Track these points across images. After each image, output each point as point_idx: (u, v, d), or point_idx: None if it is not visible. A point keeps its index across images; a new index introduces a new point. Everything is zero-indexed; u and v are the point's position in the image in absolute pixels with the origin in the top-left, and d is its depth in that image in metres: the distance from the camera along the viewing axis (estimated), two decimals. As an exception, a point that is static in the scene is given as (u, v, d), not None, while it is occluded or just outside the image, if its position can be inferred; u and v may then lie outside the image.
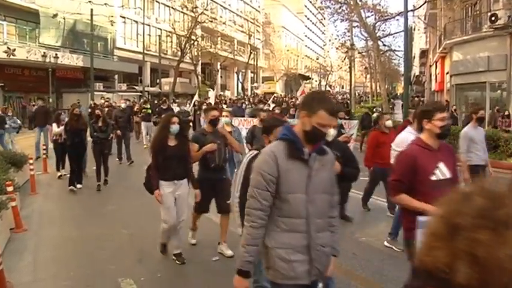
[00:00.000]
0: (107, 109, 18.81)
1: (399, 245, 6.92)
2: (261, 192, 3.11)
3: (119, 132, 15.69)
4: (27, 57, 32.97)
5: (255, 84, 63.57)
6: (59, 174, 13.28)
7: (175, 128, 6.52)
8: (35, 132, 17.76)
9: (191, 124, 22.39)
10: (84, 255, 7.17)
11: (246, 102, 33.88)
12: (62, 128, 12.65)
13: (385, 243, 7.50)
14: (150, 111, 21.05)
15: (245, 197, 3.47)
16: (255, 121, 10.59)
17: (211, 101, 28.91)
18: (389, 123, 9.35)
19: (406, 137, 6.26)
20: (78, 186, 11.80)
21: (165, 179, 6.50)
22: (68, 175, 12.13)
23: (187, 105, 27.53)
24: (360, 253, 7.04)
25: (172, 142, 6.52)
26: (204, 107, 18.77)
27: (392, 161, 6.26)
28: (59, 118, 13.17)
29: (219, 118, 7.54)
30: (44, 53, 33.28)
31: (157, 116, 19.37)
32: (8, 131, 17.35)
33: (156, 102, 30.17)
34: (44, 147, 15.09)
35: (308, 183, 3.15)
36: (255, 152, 4.40)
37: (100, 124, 12.16)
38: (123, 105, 18.18)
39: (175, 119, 6.59)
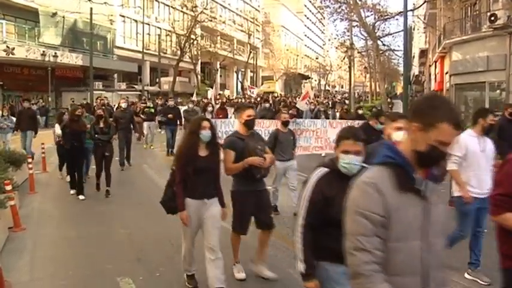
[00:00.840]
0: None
1: (484, 276, 6.17)
2: (370, 240, 2.27)
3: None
4: (26, 56, 32.97)
5: (248, 85, 59.77)
6: (60, 177, 12.88)
7: (206, 134, 5.41)
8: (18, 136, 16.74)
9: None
10: (82, 255, 7.15)
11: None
12: None
13: (466, 275, 6.27)
14: (152, 110, 20.63)
15: (310, 227, 3.31)
16: (278, 124, 9.82)
17: (212, 99, 28.70)
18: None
19: (467, 140, 5.84)
20: (81, 197, 10.60)
21: (193, 197, 5.42)
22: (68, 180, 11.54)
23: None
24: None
25: (203, 152, 5.45)
26: (209, 107, 17.86)
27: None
28: (62, 118, 12.40)
29: (255, 119, 6.40)
30: (43, 51, 33.28)
31: (162, 115, 18.62)
32: (5, 131, 16.39)
33: (157, 101, 29.21)
34: (43, 145, 15.02)
35: (425, 225, 2.37)
36: (325, 169, 3.54)
37: (101, 125, 11.25)
38: (123, 105, 16.09)
39: (206, 124, 5.46)
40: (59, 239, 8.02)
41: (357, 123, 14.43)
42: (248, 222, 6.06)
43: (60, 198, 11.01)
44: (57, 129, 12.40)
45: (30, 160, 12.16)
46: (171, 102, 20.00)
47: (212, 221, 5.52)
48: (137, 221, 8.83)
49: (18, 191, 9.95)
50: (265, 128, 13.00)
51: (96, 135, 11.13)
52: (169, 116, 17.76)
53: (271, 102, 26.74)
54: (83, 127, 11.07)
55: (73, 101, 32.26)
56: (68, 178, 11.66)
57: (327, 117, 18.53)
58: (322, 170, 3.56)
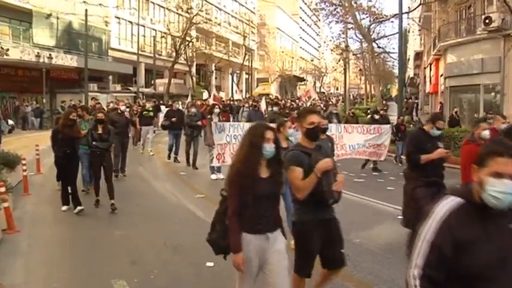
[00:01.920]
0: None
1: None
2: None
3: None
4: (20, 57, 32.83)
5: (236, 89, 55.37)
6: (58, 188, 10.82)
7: (270, 149, 4.07)
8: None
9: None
10: (77, 257, 7.12)
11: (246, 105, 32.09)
12: None
13: None
14: (152, 114, 19.40)
15: (431, 282, 2.27)
16: (333, 130, 9.06)
17: (211, 100, 28.22)
18: (485, 134, 6.91)
19: None
20: (79, 208, 9.49)
21: (252, 231, 4.09)
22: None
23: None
24: (353, 254, 7.00)
25: (265, 172, 4.11)
26: (216, 109, 14.62)
27: None
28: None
29: (322, 127, 5.58)
30: (38, 53, 33.16)
31: (166, 118, 17.15)
32: None
33: (156, 102, 28.33)
34: (37, 147, 14.96)
35: (507, 258, 2.19)
36: (457, 199, 2.42)
37: (100, 131, 9.96)
38: (122, 108, 15.22)
39: (270, 134, 4.09)
40: (53, 241, 7.99)
41: (374, 128, 14.01)
42: (312, 263, 4.88)
43: (54, 200, 10.93)
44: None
45: (24, 162, 12.09)
46: (175, 105, 19.08)
47: (278, 259, 4.30)
48: (132, 222, 8.80)
49: (12, 193, 9.88)
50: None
51: (94, 142, 9.86)
52: (173, 119, 16.76)
53: (267, 104, 25.25)
54: (77, 133, 9.93)
55: (64, 104, 32.08)
56: (58, 186, 10.59)
57: (340, 121, 17.16)
58: (454, 201, 2.43)
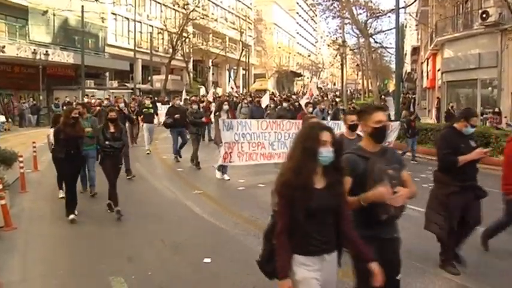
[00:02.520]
0: (98, 108, 15.77)
1: None
2: None
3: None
4: (17, 54, 32.72)
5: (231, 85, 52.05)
6: (60, 195, 10.24)
7: (328, 154, 3.38)
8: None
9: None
10: (74, 254, 7.12)
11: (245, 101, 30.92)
12: None
13: None
14: (152, 110, 18.70)
15: None
16: (342, 128, 7.71)
17: (210, 97, 27.59)
18: None
19: None
20: (71, 217, 8.75)
21: (305, 252, 3.44)
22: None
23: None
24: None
25: (320, 182, 3.42)
26: (225, 106, 13.81)
27: None
28: (59, 121, 9.87)
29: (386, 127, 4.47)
30: (34, 50, 33.06)
31: (168, 116, 15.99)
32: None
33: (152, 98, 27.50)
34: (34, 144, 14.92)
35: None
36: None
37: (112, 130, 9.31)
38: (121, 105, 14.34)
39: (327, 136, 3.40)
40: (51, 238, 7.98)
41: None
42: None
43: (51, 197, 10.91)
44: (51, 138, 10.00)
45: (21, 159, 12.06)
46: (176, 102, 17.75)
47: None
48: (129, 219, 8.78)
49: (9, 190, 9.86)
50: (285, 130, 12.22)
51: (106, 142, 9.17)
52: (176, 116, 15.68)
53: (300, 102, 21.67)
54: (81, 131, 9.28)
55: (57, 101, 32.19)
56: (61, 194, 10.05)
57: None
58: None
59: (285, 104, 17.27)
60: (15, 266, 6.64)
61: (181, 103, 18.03)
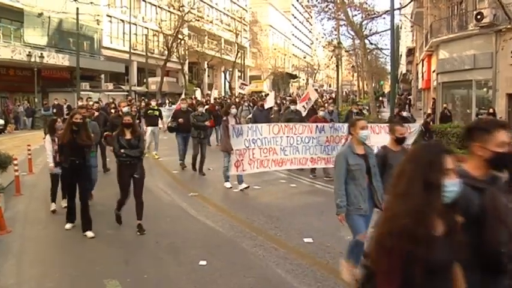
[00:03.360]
0: (96, 113, 13.81)
1: None
2: None
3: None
4: (11, 56, 32.60)
5: (241, 81, 53.67)
6: (52, 208, 9.59)
7: (454, 188, 2.55)
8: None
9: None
10: (69, 257, 7.10)
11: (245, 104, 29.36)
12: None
13: None
14: (157, 112, 17.22)
15: None
16: (387, 139, 6.81)
17: (211, 99, 26.85)
18: None
19: None
20: (68, 226, 8.44)
21: None
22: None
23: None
24: (346, 251, 7.02)
25: (439, 227, 2.54)
26: (233, 109, 12.58)
27: None
28: (54, 127, 9.24)
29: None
30: (29, 52, 32.96)
31: (173, 119, 15.22)
32: None
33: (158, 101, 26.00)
34: (29, 147, 14.87)
35: None
36: None
37: (129, 136, 8.30)
38: (125, 109, 13.36)
39: (451, 162, 2.57)
40: (45, 241, 7.95)
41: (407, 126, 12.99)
42: None
43: (46, 200, 10.87)
44: (48, 144, 9.20)
45: (16, 162, 12.02)
46: (183, 105, 16.32)
47: None
48: (124, 221, 8.75)
49: (4, 193, 9.84)
50: (297, 134, 11.55)
51: (122, 151, 8.22)
52: (180, 120, 14.85)
53: (304, 105, 19.26)
54: (87, 139, 8.30)
55: (46, 104, 30.69)
56: (63, 203, 9.51)
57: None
58: None
59: (292, 107, 15.73)
60: (9, 269, 6.61)
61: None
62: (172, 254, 7.05)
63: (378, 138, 11.68)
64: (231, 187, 11.79)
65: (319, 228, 8.34)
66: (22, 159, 14.60)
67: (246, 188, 11.53)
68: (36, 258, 7.10)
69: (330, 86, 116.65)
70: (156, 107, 17.70)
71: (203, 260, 6.66)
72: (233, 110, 12.35)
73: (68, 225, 8.38)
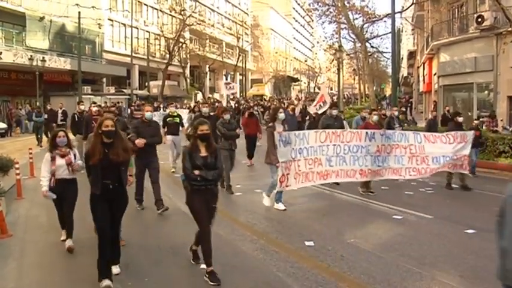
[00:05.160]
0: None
1: None
2: None
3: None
4: (13, 60, 32.72)
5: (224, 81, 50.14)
6: (63, 237, 7.80)
7: None
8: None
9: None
10: (70, 261, 7.08)
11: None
12: (72, 159, 7.47)
13: None
14: (178, 119, 14.94)
15: None
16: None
17: (224, 101, 24.87)
18: None
19: None
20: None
21: None
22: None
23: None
24: (347, 255, 7.02)
25: None
26: (280, 114, 10.26)
27: None
28: (55, 142, 7.49)
29: None
30: (31, 56, 33.04)
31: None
32: None
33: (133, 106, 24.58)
34: (30, 151, 14.88)
35: None
36: None
37: (204, 153, 6.24)
38: (148, 115, 10.27)
39: None
40: (46, 246, 7.94)
41: (460, 135, 11.44)
42: None
43: (47, 204, 10.85)
44: (46, 164, 7.44)
45: (17, 166, 12.03)
46: (204, 110, 13.77)
47: None
48: (125, 225, 8.74)
49: (5, 197, 9.84)
50: (345, 142, 10.27)
51: (196, 172, 6.13)
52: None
53: (321, 104, 17.94)
54: (124, 153, 6.07)
55: (34, 109, 28.30)
56: (64, 236, 7.79)
57: (402, 127, 14.42)
58: None
59: (334, 112, 13.67)
60: (10, 273, 6.60)
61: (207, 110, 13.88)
62: (173, 258, 7.04)
63: (434, 147, 11.10)
64: (285, 209, 9.88)
65: (320, 232, 8.33)
66: (23, 163, 14.60)
67: (283, 210, 9.76)
68: (36, 263, 7.09)
69: (331, 89, 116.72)
70: (176, 113, 15.37)
71: (204, 264, 6.65)
72: (281, 115, 10.17)
73: (106, 283, 5.85)
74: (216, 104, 23.11)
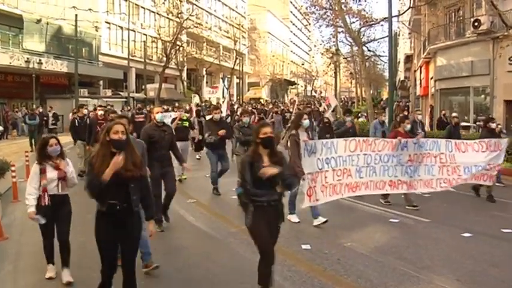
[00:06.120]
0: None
1: None
2: None
3: None
4: (10, 62, 32.67)
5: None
6: (49, 274, 6.44)
7: None
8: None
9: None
10: (66, 264, 7.05)
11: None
12: (67, 172, 6.36)
13: None
14: (187, 123, 13.86)
15: None
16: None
17: (224, 107, 22.75)
18: None
19: None
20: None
21: None
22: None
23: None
24: (344, 258, 7.02)
25: None
26: (305, 120, 9.23)
27: None
28: (46, 151, 6.30)
29: None
30: (28, 58, 33.02)
31: (210, 132, 11.65)
32: None
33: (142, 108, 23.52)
34: (26, 153, 14.84)
35: None
36: None
37: (267, 162, 5.33)
38: (159, 117, 8.91)
39: None
40: (42, 249, 7.91)
41: (494, 142, 10.76)
42: None
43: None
44: (34, 177, 6.36)
45: (13, 168, 11.99)
46: (216, 116, 11.99)
47: None
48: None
49: (1, 200, 9.82)
50: (376, 151, 9.42)
51: (254, 192, 5.27)
52: (221, 132, 11.51)
53: (325, 107, 17.36)
54: (135, 168, 4.93)
55: (30, 110, 26.72)
56: (51, 272, 6.48)
57: (425, 132, 13.75)
58: None
59: (347, 119, 12.92)
60: (6, 276, 6.59)
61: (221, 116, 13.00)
62: (169, 260, 7.02)
63: (466, 156, 10.40)
64: (299, 221, 9.22)
65: (317, 235, 8.33)
66: (20, 165, 14.55)
67: (324, 222, 8.89)
68: (33, 266, 7.07)
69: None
70: (185, 117, 14.11)
71: (201, 267, 6.64)
72: (305, 122, 9.20)
73: None
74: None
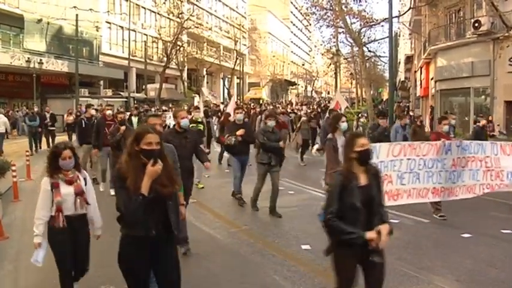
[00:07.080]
0: (122, 128, 10.43)
1: None
2: None
3: None
4: (11, 62, 32.71)
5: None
6: None
7: None
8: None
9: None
10: (66, 263, 7.06)
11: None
12: (83, 187, 5.37)
13: None
14: (202, 126, 12.92)
15: None
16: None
17: (230, 107, 21.73)
18: None
19: None
20: None
21: None
22: None
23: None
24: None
25: None
26: (343, 123, 8.40)
27: None
28: (58, 163, 5.23)
29: None
30: (28, 58, 33.03)
31: (230, 134, 10.53)
32: None
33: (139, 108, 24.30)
34: (27, 153, 14.84)
35: None
36: None
37: (364, 181, 4.19)
38: (183, 123, 7.83)
39: None
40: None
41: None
42: None
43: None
44: (45, 195, 5.34)
45: (14, 168, 11.99)
46: (239, 115, 10.93)
47: None
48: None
49: (2, 199, 9.82)
50: (420, 156, 8.65)
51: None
52: (239, 132, 10.42)
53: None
54: (170, 183, 4.06)
55: (30, 111, 25.59)
56: None
57: (455, 136, 13.11)
58: None
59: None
60: (6, 276, 6.59)
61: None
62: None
63: (510, 160, 9.58)
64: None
65: (316, 235, 8.32)
66: (20, 165, 14.53)
67: None
68: (33, 265, 7.04)
69: (328, 93, 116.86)
70: (199, 119, 13.09)
71: (201, 267, 6.65)
72: (343, 125, 8.41)
73: None
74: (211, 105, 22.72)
